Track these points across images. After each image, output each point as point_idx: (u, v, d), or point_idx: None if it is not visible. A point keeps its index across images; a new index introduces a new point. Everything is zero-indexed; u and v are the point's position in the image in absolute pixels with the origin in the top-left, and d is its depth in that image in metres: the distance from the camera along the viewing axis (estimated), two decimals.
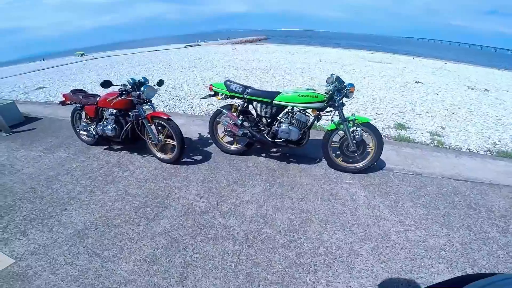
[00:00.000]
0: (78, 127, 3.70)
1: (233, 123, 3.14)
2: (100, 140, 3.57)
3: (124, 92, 2.89)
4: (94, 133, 3.41)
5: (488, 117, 4.88)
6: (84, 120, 3.61)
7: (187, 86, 7.15)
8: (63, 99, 3.69)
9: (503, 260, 1.94)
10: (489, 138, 3.98)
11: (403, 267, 1.86)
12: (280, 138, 3.01)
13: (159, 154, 3.22)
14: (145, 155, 3.45)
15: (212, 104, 5.40)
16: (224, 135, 3.37)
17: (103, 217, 2.40)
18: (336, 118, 2.91)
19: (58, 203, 2.61)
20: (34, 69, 11.90)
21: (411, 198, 2.59)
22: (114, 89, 3.01)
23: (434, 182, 2.85)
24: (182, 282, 1.79)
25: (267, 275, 1.82)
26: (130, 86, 2.90)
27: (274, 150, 3.50)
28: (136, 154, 3.50)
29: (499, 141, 3.91)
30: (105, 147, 3.70)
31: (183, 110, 5.21)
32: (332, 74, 2.87)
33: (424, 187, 2.77)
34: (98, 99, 3.30)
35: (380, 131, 3.38)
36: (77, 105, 3.51)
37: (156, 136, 3.06)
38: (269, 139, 3.06)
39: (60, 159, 3.45)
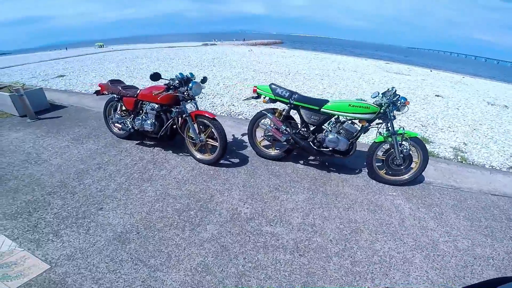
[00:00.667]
0: (111, 118, 3.58)
1: (276, 128, 3.03)
2: (134, 135, 3.46)
3: (171, 87, 2.78)
4: (130, 126, 3.29)
5: (510, 135, 4.80)
6: (119, 112, 3.50)
7: (207, 85, 7.05)
8: (99, 88, 3.57)
9: None
10: (511, 156, 3.90)
11: (456, 273, 1.92)
12: (327, 147, 2.90)
13: (198, 154, 3.11)
14: (181, 154, 3.34)
15: (233, 105, 5.30)
16: (263, 139, 3.26)
17: (144, 219, 2.27)
18: (383, 130, 2.86)
19: (92, 201, 2.47)
20: (54, 57, 11.84)
21: (454, 211, 2.60)
22: (158, 83, 2.90)
23: (473, 196, 2.87)
24: None
25: (324, 283, 1.79)
26: (177, 81, 2.79)
27: (311, 158, 3.38)
28: (170, 152, 3.39)
29: None
30: (136, 142, 3.59)
31: (204, 109, 5.14)
32: (392, 87, 2.79)
33: (464, 200, 2.78)
34: (138, 91, 3.18)
35: None
36: (115, 96, 3.39)
37: (198, 136, 2.94)
38: (314, 147, 2.95)
39: (89, 151, 3.34)
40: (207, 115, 2.82)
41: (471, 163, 3.62)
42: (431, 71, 12.59)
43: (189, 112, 2.89)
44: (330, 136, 2.83)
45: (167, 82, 2.82)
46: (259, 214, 2.40)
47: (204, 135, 2.98)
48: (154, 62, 10.87)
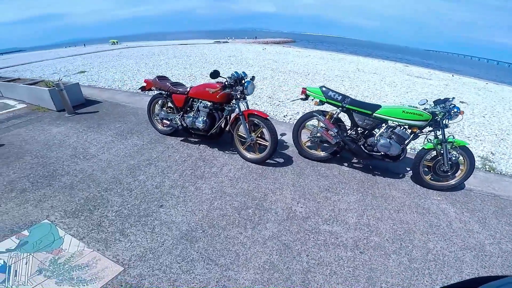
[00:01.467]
0: (157, 115, 3.64)
1: (326, 130, 3.07)
2: (179, 131, 3.52)
3: (227, 86, 2.84)
4: (179, 123, 3.36)
5: None
6: (165, 108, 3.57)
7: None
8: (144, 84, 3.64)
9: None
10: None
11: (503, 272, 2.02)
12: (378, 151, 2.94)
13: (247, 153, 3.17)
14: (227, 152, 3.42)
15: (256, 104, 5.31)
16: (309, 140, 3.31)
17: (206, 217, 2.34)
18: (431, 138, 2.92)
19: (151, 198, 2.52)
20: (72, 54, 12.02)
21: (495, 216, 2.65)
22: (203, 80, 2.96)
23: None
24: None
25: (386, 278, 1.88)
26: (233, 80, 2.84)
27: (355, 160, 3.42)
28: (216, 149, 3.46)
29: None
30: (181, 138, 3.67)
31: None
32: (453, 98, 2.80)
33: (505, 207, 2.80)
34: (187, 89, 3.24)
35: None
36: (162, 93, 3.45)
37: (250, 135, 3.00)
38: (365, 150, 2.98)
39: (136, 146, 3.42)
40: (260, 114, 2.88)
41: (499, 172, 3.59)
42: (452, 75, 12.42)
43: (242, 111, 2.94)
44: (382, 141, 2.87)
45: (223, 80, 2.87)
46: (314, 213, 2.46)
47: (255, 134, 3.03)
48: (172, 59, 10.97)
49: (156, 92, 3.58)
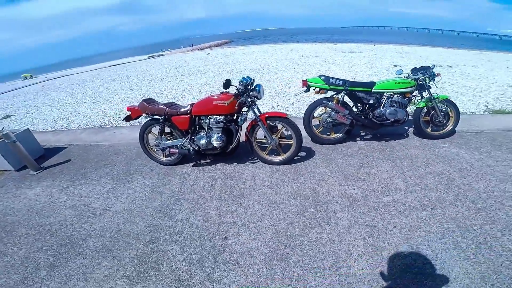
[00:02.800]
0: (157, 145, 3.19)
1: (342, 114, 3.20)
2: (188, 157, 3.20)
3: (240, 93, 2.68)
4: (191, 147, 3.00)
5: (461, 87, 5.84)
6: (164, 136, 3.17)
7: (190, 95, 6.84)
8: (129, 113, 3.15)
9: None
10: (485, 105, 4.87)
11: None
12: (387, 119, 3.19)
13: (272, 157, 3.07)
14: (248, 162, 3.24)
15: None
16: (321, 127, 3.40)
17: (278, 231, 2.17)
18: (418, 99, 3.40)
19: (208, 234, 2.23)
20: None
21: (495, 148, 3.13)
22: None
23: (498, 135, 3.47)
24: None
25: (470, 222, 2.10)
26: (243, 87, 2.69)
27: (363, 134, 3.65)
28: (236, 163, 3.24)
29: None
30: (191, 164, 3.33)
31: None
32: (433, 65, 3.37)
33: (495, 139, 3.36)
34: (188, 107, 2.93)
35: None
36: (159, 118, 3.01)
37: (271, 138, 2.91)
38: (377, 121, 3.21)
39: (148, 187, 2.98)
40: (280, 115, 2.81)
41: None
42: (374, 45, 14.20)
43: (259, 115, 2.83)
44: (389, 110, 3.19)
45: (232, 89, 2.67)
46: (369, 190, 2.55)
47: (276, 136, 2.95)
48: (111, 83, 9.99)
49: (147, 119, 3.14)
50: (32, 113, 6.93)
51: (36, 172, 3.58)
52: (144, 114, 3.06)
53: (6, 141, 3.37)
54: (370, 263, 1.81)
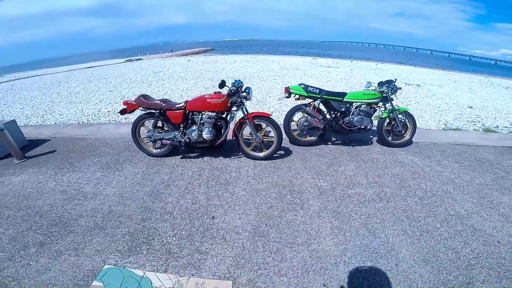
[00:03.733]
0: (149, 137, 3.42)
1: (317, 119, 3.67)
2: (178, 149, 3.45)
3: (232, 94, 3.04)
4: (182, 140, 3.29)
5: (430, 106, 6.56)
6: (154, 128, 3.42)
7: (172, 99, 7.02)
8: (124, 107, 3.37)
9: None
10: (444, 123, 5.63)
11: (478, 195, 2.89)
12: (354, 126, 3.70)
13: (255, 153, 3.45)
14: (233, 157, 3.57)
15: None
16: (299, 129, 3.84)
17: (259, 213, 2.50)
18: (382, 110, 3.95)
19: (197, 214, 2.49)
20: None
21: (444, 158, 3.66)
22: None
23: (448, 147, 4.06)
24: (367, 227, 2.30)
25: (417, 214, 2.50)
26: (235, 88, 3.07)
27: (334, 139, 4.16)
28: (221, 157, 3.56)
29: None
30: (179, 156, 3.58)
31: None
32: (395, 79, 3.95)
33: (444, 150, 3.93)
34: (183, 104, 3.23)
35: None
36: (154, 112, 3.27)
37: (257, 135, 3.28)
38: (346, 127, 3.71)
39: (137, 175, 3.18)
40: (264, 115, 3.21)
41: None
42: (351, 61, 15.39)
43: (247, 114, 3.20)
44: (356, 118, 3.69)
45: (224, 89, 3.03)
46: (336, 184, 2.99)
47: (260, 133, 3.34)
48: (89, 84, 9.82)
49: (142, 113, 3.38)
50: (1, 110, 6.67)
51: (20, 161, 3.62)
52: (140, 108, 3.30)
53: None
54: (335, 242, 2.18)
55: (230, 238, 2.22)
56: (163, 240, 2.20)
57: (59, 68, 17.90)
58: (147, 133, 3.44)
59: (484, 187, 2.97)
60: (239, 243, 2.17)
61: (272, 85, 8.45)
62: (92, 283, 1.83)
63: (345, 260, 2.01)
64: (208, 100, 3.09)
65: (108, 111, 6.05)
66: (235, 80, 3.13)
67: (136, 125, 3.44)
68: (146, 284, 1.82)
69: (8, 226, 2.41)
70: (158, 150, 3.53)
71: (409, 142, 4.04)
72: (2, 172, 3.37)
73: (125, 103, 3.37)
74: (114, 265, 1.98)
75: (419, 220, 2.44)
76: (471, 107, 6.47)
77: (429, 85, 9.54)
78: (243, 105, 3.22)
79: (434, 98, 7.34)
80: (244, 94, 3.11)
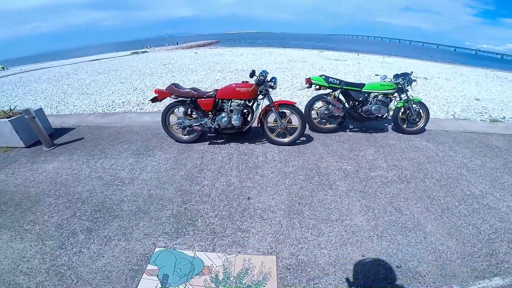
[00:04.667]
0: (180, 124, 3.57)
1: (337, 107, 3.83)
2: (206, 135, 3.63)
3: (259, 83, 3.20)
4: (212, 126, 3.46)
5: (437, 99, 6.72)
6: (185, 115, 3.58)
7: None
8: (156, 95, 3.52)
9: None
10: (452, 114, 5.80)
11: (479, 171, 3.08)
12: (373, 114, 3.88)
13: (280, 139, 3.62)
14: (258, 143, 3.75)
15: None
16: (319, 117, 4.01)
17: (291, 193, 2.67)
18: (397, 100, 4.14)
19: (233, 195, 2.63)
20: None
21: (456, 144, 3.88)
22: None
23: (459, 135, 4.26)
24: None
25: (437, 193, 2.71)
26: (262, 77, 3.23)
27: (351, 127, 4.33)
28: (247, 143, 3.74)
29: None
30: (207, 142, 3.75)
31: None
32: (411, 71, 4.17)
33: (456, 137, 4.14)
34: (212, 92, 3.39)
35: None
36: (186, 99, 3.43)
37: (281, 122, 3.45)
38: (365, 115, 3.89)
39: (170, 160, 3.33)
40: (289, 103, 3.37)
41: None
42: (358, 55, 15.43)
43: (272, 102, 3.37)
44: (374, 107, 3.88)
45: (253, 79, 3.23)
46: (359, 167, 3.18)
47: (285, 120, 3.50)
48: (98, 76, 9.89)
49: (172, 100, 3.53)
50: (14, 102, 6.71)
51: (50, 149, 3.72)
52: (172, 96, 3.44)
53: (26, 116, 3.50)
54: (366, 218, 2.37)
55: (267, 217, 2.38)
56: (206, 221, 2.33)
57: (64, 61, 17.87)
58: (177, 120, 3.60)
59: (495, 171, 3.17)
60: (276, 220, 2.34)
61: (281, 77, 8.54)
62: (147, 266, 1.90)
63: (377, 234, 2.20)
64: (237, 89, 3.24)
65: (122, 102, 6.18)
66: (262, 70, 3.30)
67: (167, 113, 3.59)
68: (198, 263, 1.92)
69: (52, 213, 2.45)
70: (188, 136, 3.69)
71: (423, 130, 4.23)
72: (34, 160, 3.46)
73: (156, 91, 3.51)
74: (165, 247, 2.06)
75: (439, 199, 2.63)
76: (478, 99, 6.62)
77: (436, 78, 9.66)
78: (269, 93, 3.37)
79: (442, 91, 7.49)
80: (271, 83, 3.26)
